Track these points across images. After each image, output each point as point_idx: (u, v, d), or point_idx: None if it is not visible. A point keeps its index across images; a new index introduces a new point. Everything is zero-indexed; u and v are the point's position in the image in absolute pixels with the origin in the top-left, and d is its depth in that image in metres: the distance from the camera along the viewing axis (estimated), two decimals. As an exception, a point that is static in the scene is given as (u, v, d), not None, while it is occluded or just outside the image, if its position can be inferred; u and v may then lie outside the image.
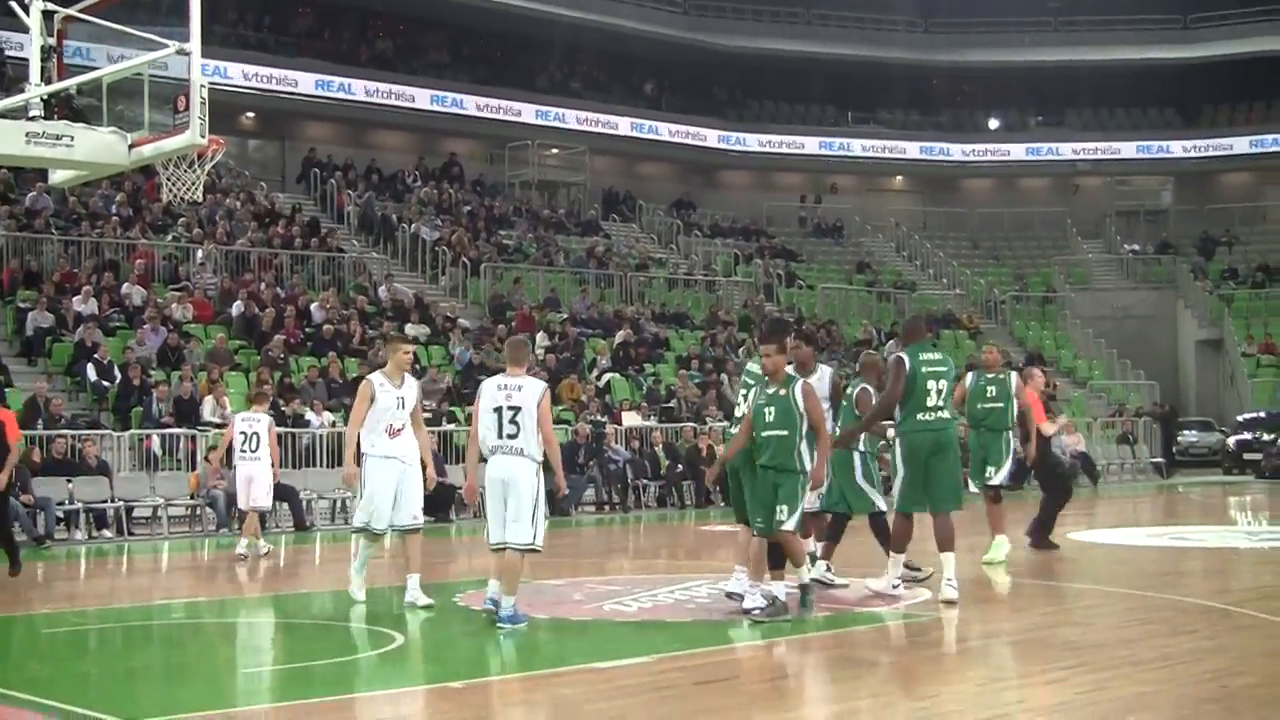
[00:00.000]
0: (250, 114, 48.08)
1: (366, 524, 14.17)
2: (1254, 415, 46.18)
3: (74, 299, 30.55)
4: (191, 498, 25.64)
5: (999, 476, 17.68)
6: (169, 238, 35.96)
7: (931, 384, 13.63)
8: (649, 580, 16.25)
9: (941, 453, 13.65)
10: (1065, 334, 53.66)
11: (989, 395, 18.01)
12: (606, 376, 35.81)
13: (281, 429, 26.92)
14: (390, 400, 13.83)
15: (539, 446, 12.55)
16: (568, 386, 34.12)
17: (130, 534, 24.62)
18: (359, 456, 14.06)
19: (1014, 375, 18.38)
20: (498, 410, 12.52)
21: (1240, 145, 61.47)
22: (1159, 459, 43.31)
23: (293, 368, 31.08)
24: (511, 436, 12.46)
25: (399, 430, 13.95)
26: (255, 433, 20.92)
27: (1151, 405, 46.91)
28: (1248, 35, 59.69)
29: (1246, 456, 43.76)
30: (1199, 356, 54.21)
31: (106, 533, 24.43)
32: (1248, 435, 44.45)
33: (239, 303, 32.89)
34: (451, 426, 29.92)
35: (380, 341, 30.57)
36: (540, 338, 36.93)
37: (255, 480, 20.81)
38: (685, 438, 33.16)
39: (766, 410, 12.69)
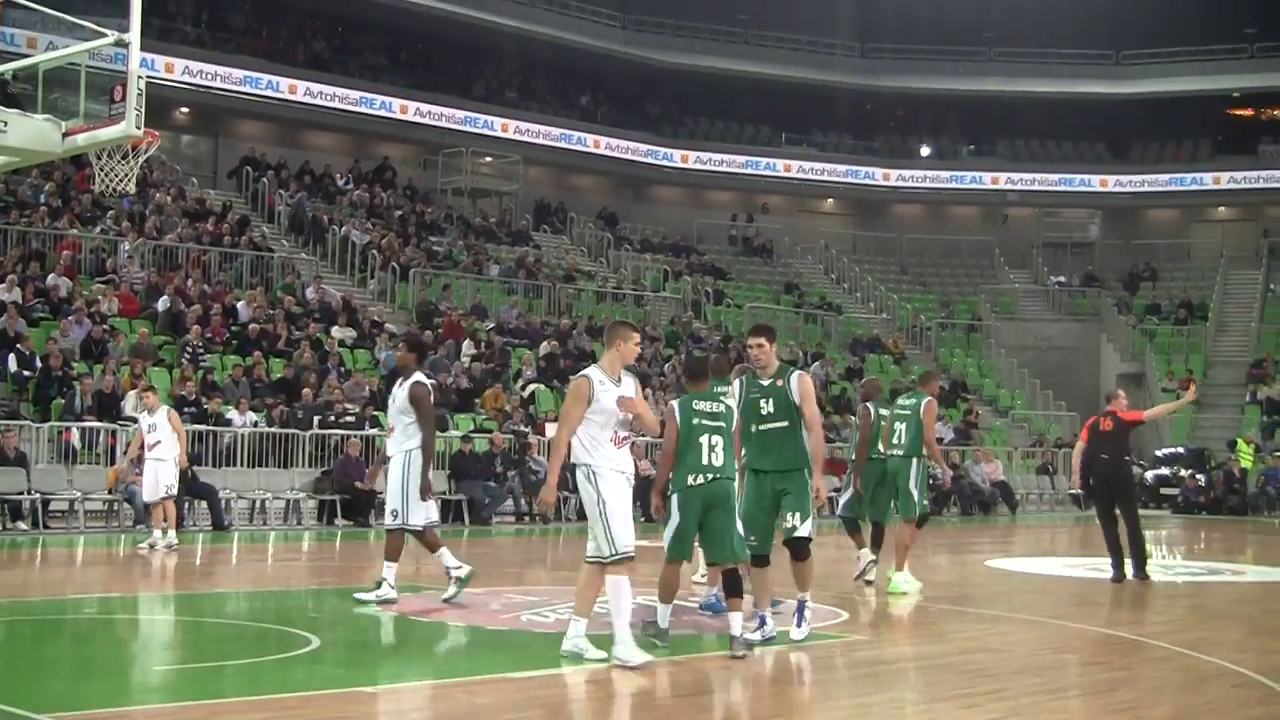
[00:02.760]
0: (184, 109, 47.79)
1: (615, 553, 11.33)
2: (1172, 450, 46.62)
3: (-2, 287, 30.27)
4: (110, 493, 25.44)
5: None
6: (97, 230, 35.71)
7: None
8: (567, 592, 16.21)
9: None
10: (989, 363, 53.98)
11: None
12: (531, 387, 35.75)
13: (202, 427, 26.84)
14: (612, 402, 11.47)
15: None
16: (492, 396, 34.09)
17: (46, 527, 24.39)
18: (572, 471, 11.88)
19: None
20: None
21: (1167, 182, 62.03)
22: (1077, 490, 43.62)
23: (216, 365, 30.91)
24: None
25: (625, 440, 11.68)
26: (154, 427, 21.41)
27: (1072, 436, 47.18)
28: (1178, 74, 60.41)
29: (1164, 491, 44.14)
30: (1120, 390, 54.45)
31: (22, 525, 24.19)
32: (1165, 470, 44.85)
33: (165, 298, 32.65)
34: (374, 432, 29.78)
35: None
36: (466, 346, 36.87)
37: (160, 477, 21.24)
38: (608, 451, 33.05)
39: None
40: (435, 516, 15.39)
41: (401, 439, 14.65)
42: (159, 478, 21.46)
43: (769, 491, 12.33)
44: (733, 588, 11.81)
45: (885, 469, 17.58)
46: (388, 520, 14.80)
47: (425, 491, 14.58)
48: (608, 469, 11.32)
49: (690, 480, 11.83)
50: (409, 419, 14.55)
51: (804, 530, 12.32)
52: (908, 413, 17.34)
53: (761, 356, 12.46)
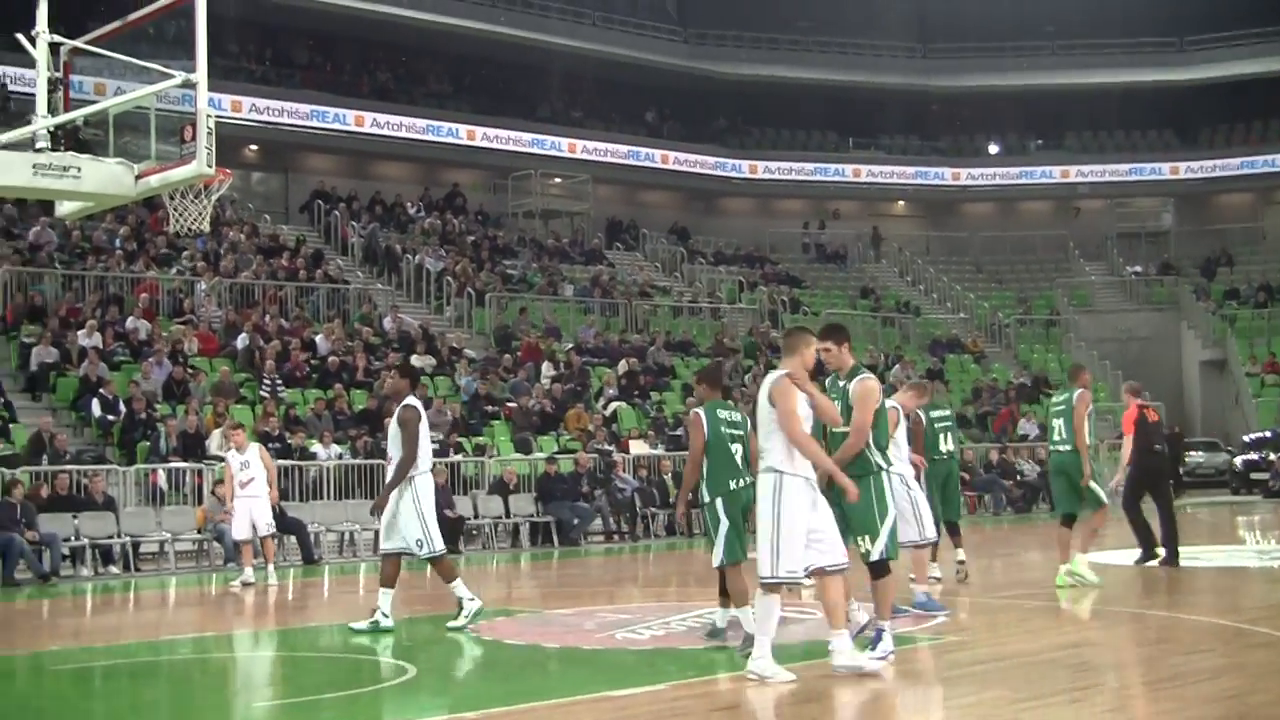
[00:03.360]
0: (253, 146, 48.09)
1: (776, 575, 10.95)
2: (1260, 435, 46.14)
3: (78, 333, 30.42)
4: (199, 532, 25.54)
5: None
6: (173, 271, 35.94)
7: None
8: (660, 608, 16.20)
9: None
10: (1069, 357, 53.55)
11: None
12: (613, 405, 35.74)
13: (288, 461, 26.93)
14: (807, 406, 11.11)
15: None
16: (574, 416, 34.12)
17: (137, 569, 24.48)
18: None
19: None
20: None
21: (1239, 166, 61.54)
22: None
23: (298, 400, 31.05)
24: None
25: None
26: (247, 464, 21.52)
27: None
28: (1243, 57, 59.87)
29: (1254, 476, 43.71)
30: (1203, 377, 54.15)
31: (113, 569, 24.30)
32: (1254, 455, 44.40)
33: (244, 335, 32.82)
34: (459, 458, 29.84)
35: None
36: (545, 367, 36.91)
37: (257, 515, 21.35)
38: (693, 465, 33.07)
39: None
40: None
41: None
42: (255, 515, 21.54)
43: (836, 501, 11.24)
44: (722, 588, 12.52)
45: (949, 469, 17.96)
46: (416, 550, 14.69)
47: (377, 508, 14.69)
48: (799, 479, 10.95)
49: (732, 484, 12.24)
50: (398, 445, 14.58)
51: (875, 552, 11.46)
52: (1063, 407, 17.63)
53: (831, 360, 11.86)
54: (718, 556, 12.46)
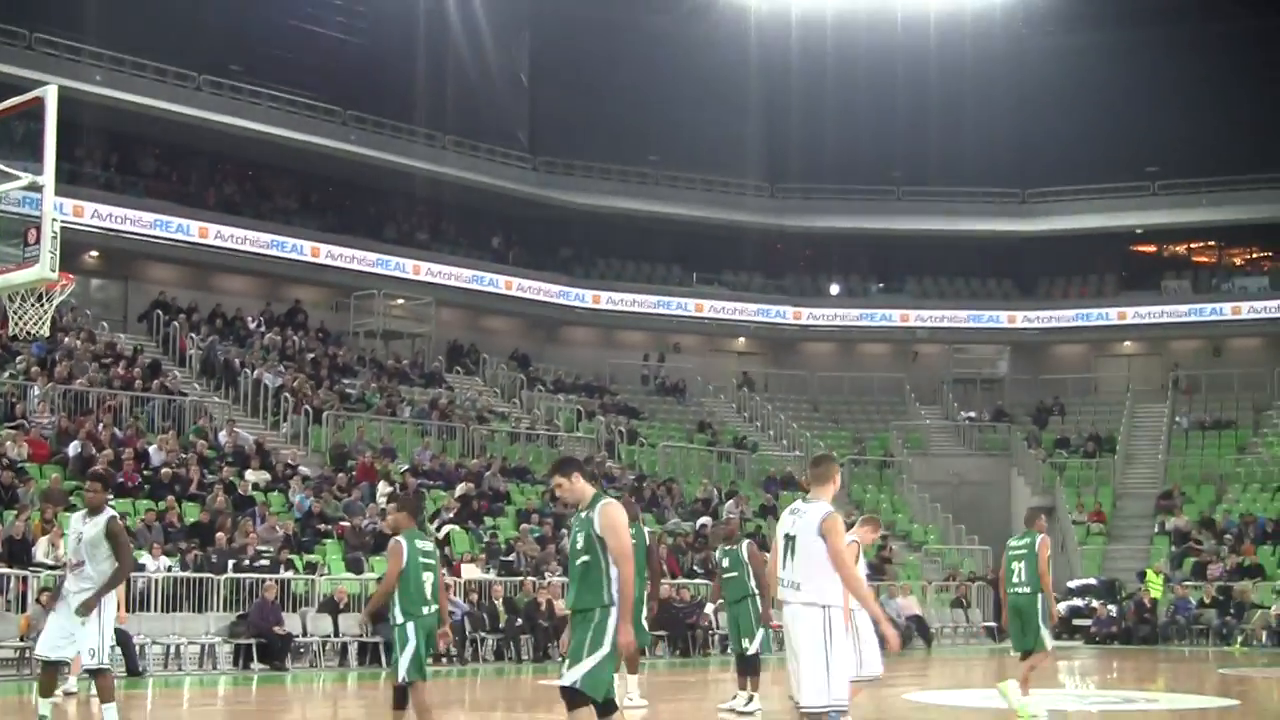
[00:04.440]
0: (94, 253, 47.49)
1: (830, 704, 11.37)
2: (1084, 582, 46.89)
3: (-95, 434, 29.94)
4: (20, 640, 25.07)
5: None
6: (5, 374, 35.44)
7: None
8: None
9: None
10: (902, 498, 54.16)
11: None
12: (446, 528, 35.60)
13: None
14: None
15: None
16: (407, 537, 33.85)
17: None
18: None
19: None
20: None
21: (1073, 317, 62.87)
22: (991, 623, 43.63)
23: (129, 510, 30.63)
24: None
25: None
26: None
27: (985, 570, 47.35)
28: (1082, 211, 61.77)
29: (1076, 622, 44.36)
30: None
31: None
32: (1078, 602, 45.07)
33: (76, 443, 32.39)
34: (289, 575, 29.56)
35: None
36: (381, 487, 36.71)
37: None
38: (525, 591, 33.07)
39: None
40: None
41: (92, 574, 14.36)
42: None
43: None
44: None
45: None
46: (88, 661, 14.51)
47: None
48: (840, 611, 11.35)
49: (424, 610, 13.42)
50: (101, 554, 14.31)
51: (566, 678, 10.85)
52: (1024, 551, 18.34)
53: (565, 494, 11.42)
54: (401, 672, 13.29)
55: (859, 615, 14.72)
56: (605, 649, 10.75)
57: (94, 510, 14.53)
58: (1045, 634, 18.07)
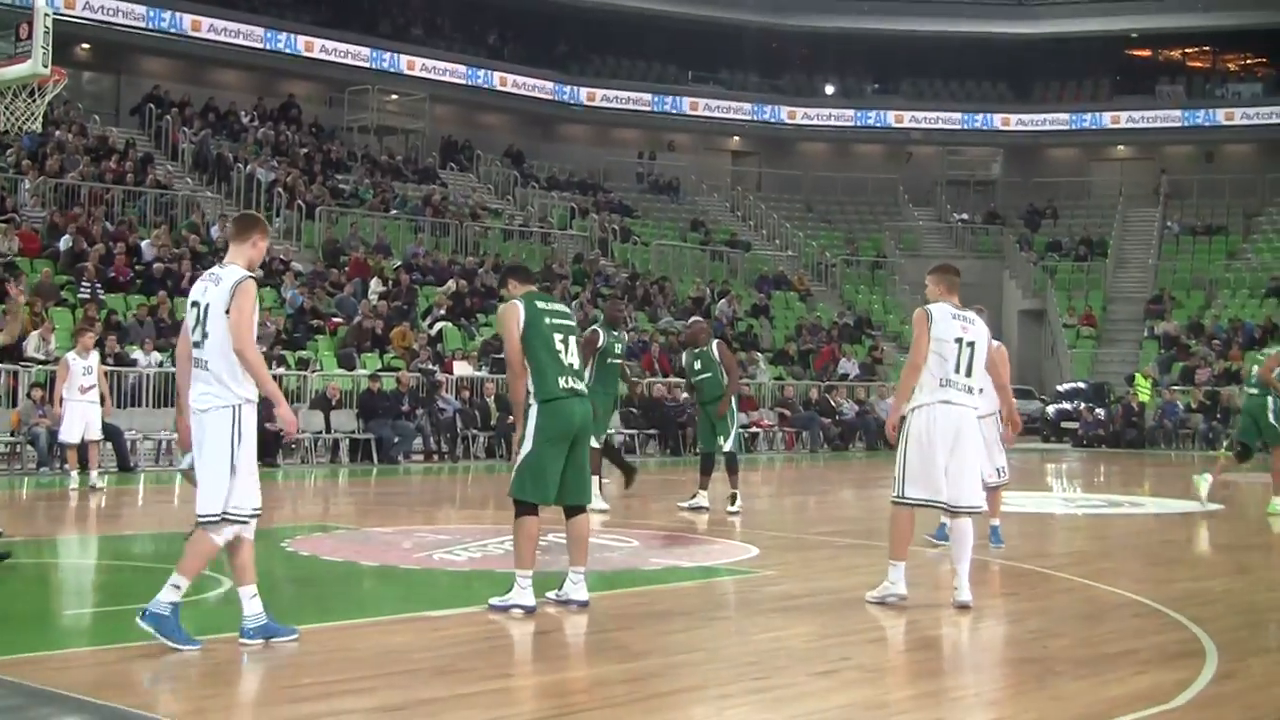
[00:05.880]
0: (85, 45, 47.18)
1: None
2: (1073, 385, 47.30)
3: (-107, 225, 29.92)
4: (11, 434, 25.25)
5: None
6: (-5, 168, 35.38)
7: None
8: (478, 530, 16.31)
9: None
10: (894, 299, 54.28)
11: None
12: (439, 325, 35.69)
13: (107, 367, 26.62)
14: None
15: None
16: (399, 334, 34.01)
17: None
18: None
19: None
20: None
21: (1068, 121, 62.65)
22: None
23: (120, 305, 30.69)
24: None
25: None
26: (90, 370, 21.34)
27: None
28: (1078, 15, 61.31)
29: (1064, 425, 44.85)
30: (1022, 326, 55.17)
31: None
32: (1067, 405, 45.46)
33: (67, 237, 32.37)
34: (281, 370, 29.69)
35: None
36: (374, 284, 36.74)
37: (92, 420, 21.23)
38: (515, 389, 33.18)
39: None
40: None
41: None
42: (89, 420, 21.44)
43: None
44: None
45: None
46: None
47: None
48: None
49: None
50: None
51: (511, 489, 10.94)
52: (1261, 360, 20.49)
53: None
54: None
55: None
56: (526, 446, 10.79)
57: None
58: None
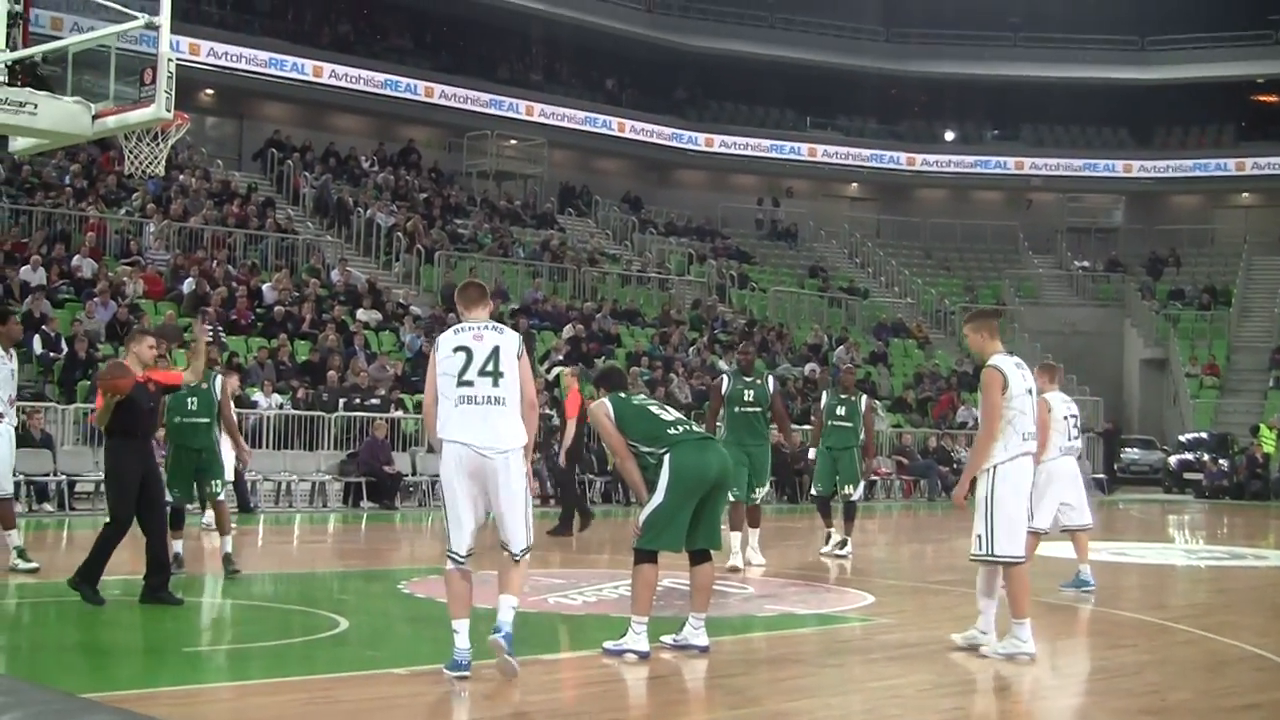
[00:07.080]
0: (209, 91, 47.83)
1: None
2: (1195, 435, 46.65)
3: (23, 269, 30.29)
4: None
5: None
6: (122, 211, 35.80)
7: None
8: (594, 575, 16.28)
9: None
10: (1013, 348, 53.74)
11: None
12: (555, 370, 35.71)
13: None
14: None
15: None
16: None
17: (72, 509, 24.43)
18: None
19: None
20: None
21: (1191, 168, 62.04)
22: (1100, 475, 43.50)
23: (241, 348, 30.96)
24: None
25: None
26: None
27: (1096, 422, 47.15)
28: (1202, 60, 60.45)
29: (1187, 476, 44.23)
30: (1143, 375, 54.58)
31: (48, 506, 24.27)
32: (1189, 455, 44.88)
33: (190, 280, 32.72)
34: (399, 414, 29.81)
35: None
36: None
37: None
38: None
39: None
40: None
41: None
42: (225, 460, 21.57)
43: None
44: None
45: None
46: None
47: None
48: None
49: None
50: None
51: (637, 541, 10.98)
52: None
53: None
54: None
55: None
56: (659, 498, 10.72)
57: None
58: None
